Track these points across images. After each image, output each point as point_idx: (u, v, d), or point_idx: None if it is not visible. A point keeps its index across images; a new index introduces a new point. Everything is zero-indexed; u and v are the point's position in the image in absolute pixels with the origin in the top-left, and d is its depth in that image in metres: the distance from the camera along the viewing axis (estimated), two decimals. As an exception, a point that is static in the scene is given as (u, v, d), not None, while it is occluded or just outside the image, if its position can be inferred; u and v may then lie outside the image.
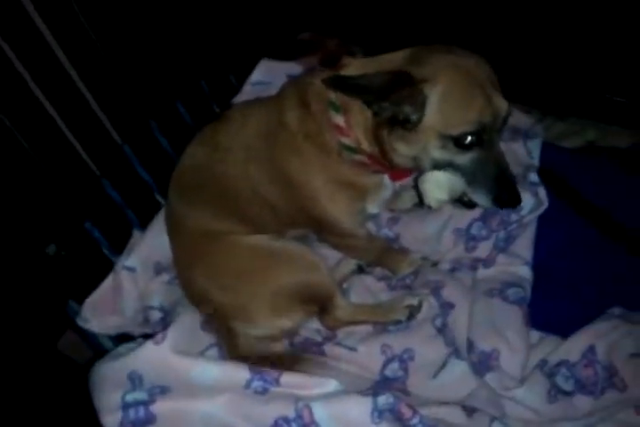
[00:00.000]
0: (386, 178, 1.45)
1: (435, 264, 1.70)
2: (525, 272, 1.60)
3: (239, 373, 1.35)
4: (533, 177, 1.69)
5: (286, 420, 1.27)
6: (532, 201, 1.64)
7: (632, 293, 1.52)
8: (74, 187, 1.57)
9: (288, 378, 1.35)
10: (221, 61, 2.03)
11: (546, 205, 1.65)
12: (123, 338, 1.59)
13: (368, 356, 1.52)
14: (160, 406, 1.30)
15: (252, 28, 2.07)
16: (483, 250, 1.66)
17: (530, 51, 2.14)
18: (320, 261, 1.54)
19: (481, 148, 1.23)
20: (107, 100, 1.63)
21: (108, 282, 1.63)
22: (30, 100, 1.44)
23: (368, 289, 1.68)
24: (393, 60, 1.30)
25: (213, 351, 1.46)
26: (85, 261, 1.62)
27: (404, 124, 1.23)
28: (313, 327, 1.61)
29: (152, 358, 1.34)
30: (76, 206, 1.58)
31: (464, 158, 1.24)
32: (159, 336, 1.38)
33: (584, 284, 1.57)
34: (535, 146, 1.80)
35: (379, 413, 1.26)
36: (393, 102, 1.20)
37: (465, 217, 1.70)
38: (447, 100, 1.20)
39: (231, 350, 1.48)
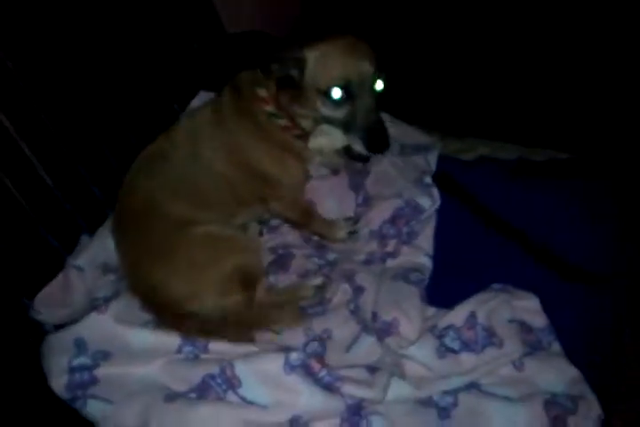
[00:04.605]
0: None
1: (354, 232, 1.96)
2: (426, 261, 1.85)
3: (171, 339, 1.54)
4: (428, 180, 1.97)
5: (212, 376, 1.46)
6: (429, 200, 1.91)
7: (512, 276, 1.78)
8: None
9: (216, 345, 1.55)
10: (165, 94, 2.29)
11: (438, 202, 1.93)
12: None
13: (292, 337, 1.70)
14: (102, 371, 1.48)
15: (190, 65, 2.38)
16: (392, 246, 1.91)
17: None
18: (257, 245, 1.82)
19: (352, 103, 1.56)
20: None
21: (58, 279, 1.78)
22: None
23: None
24: None
25: (151, 325, 1.64)
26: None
27: (293, 86, 1.58)
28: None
29: (95, 325, 1.53)
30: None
31: (339, 113, 1.58)
32: (102, 307, 1.57)
33: (474, 268, 1.83)
34: (433, 157, 2.09)
35: (290, 367, 1.46)
36: (281, 63, 1.56)
37: (377, 220, 1.96)
38: (321, 62, 1.56)
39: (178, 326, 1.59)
